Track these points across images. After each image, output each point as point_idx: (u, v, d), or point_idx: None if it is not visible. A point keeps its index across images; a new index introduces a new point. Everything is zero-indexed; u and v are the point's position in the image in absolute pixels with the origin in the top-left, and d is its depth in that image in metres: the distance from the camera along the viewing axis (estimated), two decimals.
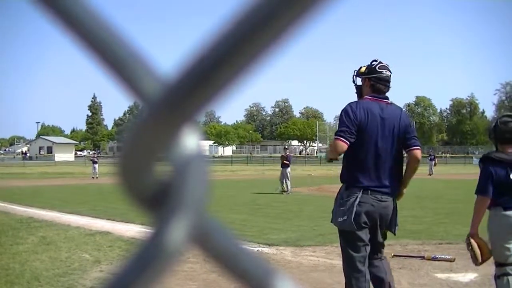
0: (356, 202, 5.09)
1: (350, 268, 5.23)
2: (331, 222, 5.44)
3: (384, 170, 5.13)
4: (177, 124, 0.41)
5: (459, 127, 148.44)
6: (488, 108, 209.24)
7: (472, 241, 5.44)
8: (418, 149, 5.30)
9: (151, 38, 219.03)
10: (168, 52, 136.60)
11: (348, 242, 5.23)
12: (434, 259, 8.82)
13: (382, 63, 5.26)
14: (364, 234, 5.20)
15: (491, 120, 5.90)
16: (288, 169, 24.87)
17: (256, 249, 9.86)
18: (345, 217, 5.10)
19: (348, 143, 5.09)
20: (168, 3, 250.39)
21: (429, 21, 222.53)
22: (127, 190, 0.44)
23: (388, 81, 5.19)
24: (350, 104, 5.26)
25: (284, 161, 25.04)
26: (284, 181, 24.81)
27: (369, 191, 5.09)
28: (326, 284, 7.46)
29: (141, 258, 0.43)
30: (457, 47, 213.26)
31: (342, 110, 5.28)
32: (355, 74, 5.42)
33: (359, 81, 5.41)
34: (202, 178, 0.44)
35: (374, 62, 5.28)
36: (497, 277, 5.43)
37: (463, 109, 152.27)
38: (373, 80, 5.16)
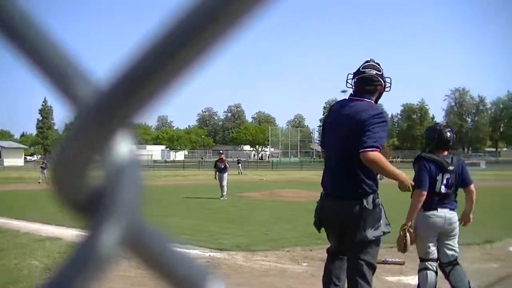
0: (318, 207, 5.17)
1: None
2: None
3: (338, 172, 5.05)
4: (111, 130, 0.41)
5: (409, 132, 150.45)
6: (437, 113, 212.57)
7: (409, 231, 5.99)
8: (366, 150, 4.66)
9: (85, 42, 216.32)
10: (101, 57, 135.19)
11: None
12: (385, 262, 8.90)
13: (369, 62, 5.18)
14: (330, 237, 5.31)
15: (430, 128, 6.32)
16: (225, 174, 24.76)
17: (207, 254, 9.85)
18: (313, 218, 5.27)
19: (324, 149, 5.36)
20: (102, 9, 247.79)
21: (380, 26, 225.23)
22: (60, 195, 0.44)
23: (371, 80, 5.07)
24: (331, 105, 5.40)
25: (222, 166, 24.82)
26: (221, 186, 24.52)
27: (327, 195, 5.11)
28: None
29: (74, 263, 0.43)
30: (407, 53, 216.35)
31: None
32: (349, 77, 5.38)
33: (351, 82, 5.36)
34: (136, 183, 0.44)
35: (364, 63, 5.24)
36: (419, 270, 6.13)
37: (414, 115, 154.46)
38: (357, 80, 5.13)
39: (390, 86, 5.27)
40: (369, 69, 5.08)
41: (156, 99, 0.39)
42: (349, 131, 4.87)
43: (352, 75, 5.17)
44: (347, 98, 5.17)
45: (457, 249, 6.19)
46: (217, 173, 25.02)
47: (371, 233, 4.85)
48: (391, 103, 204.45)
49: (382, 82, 5.11)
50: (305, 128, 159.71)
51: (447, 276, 6.07)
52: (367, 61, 5.15)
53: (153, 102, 0.39)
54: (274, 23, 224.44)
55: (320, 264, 8.91)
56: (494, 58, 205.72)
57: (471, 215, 6.31)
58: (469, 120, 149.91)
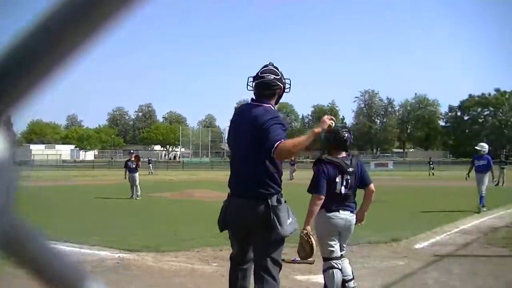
0: (224, 207, 5.18)
1: None
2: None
3: (242, 173, 5.10)
4: None
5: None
6: (347, 114, 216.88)
7: (310, 236, 6.01)
8: (274, 148, 4.63)
9: None
10: None
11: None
12: (294, 261, 8.99)
13: (268, 66, 5.18)
14: (233, 240, 5.35)
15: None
16: (137, 174, 24.59)
17: (117, 255, 9.69)
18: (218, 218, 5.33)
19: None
20: None
21: (291, 30, 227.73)
22: None
23: (270, 85, 5.09)
24: (239, 106, 5.41)
25: (133, 166, 24.49)
26: (133, 187, 24.37)
27: (233, 195, 5.13)
28: None
29: None
30: (318, 55, 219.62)
31: None
32: (249, 80, 5.35)
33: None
34: (9, 183, 0.43)
35: (262, 67, 5.23)
36: (324, 270, 6.24)
37: (324, 115, 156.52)
38: (257, 85, 5.14)
39: (289, 88, 5.30)
40: (267, 74, 5.10)
41: (28, 96, 0.39)
42: (249, 136, 4.91)
43: (252, 79, 5.21)
44: (249, 102, 5.20)
45: (345, 248, 6.48)
46: (128, 173, 24.69)
47: (281, 231, 4.89)
48: (302, 104, 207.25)
49: (281, 85, 5.14)
50: (216, 128, 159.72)
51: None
52: (265, 66, 5.18)
53: (25, 98, 0.39)
54: (183, 22, 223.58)
55: (229, 264, 8.96)
56: (403, 62, 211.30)
57: (365, 214, 6.45)
58: (378, 121, 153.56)
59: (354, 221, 6.22)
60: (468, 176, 18.53)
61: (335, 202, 6.07)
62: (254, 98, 5.15)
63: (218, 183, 35.96)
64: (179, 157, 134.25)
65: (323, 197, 5.99)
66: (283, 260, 9.21)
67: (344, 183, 6.07)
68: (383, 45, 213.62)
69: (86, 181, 40.34)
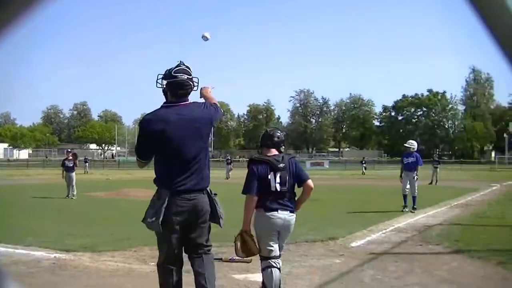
0: (165, 204, 5.14)
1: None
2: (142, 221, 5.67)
3: (189, 169, 5.17)
4: None
5: (255, 132, 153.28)
6: (283, 114, 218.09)
7: (242, 237, 6.24)
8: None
9: None
10: None
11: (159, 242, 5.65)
12: (232, 260, 9.01)
13: (181, 66, 5.20)
14: (174, 239, 5.38)
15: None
16: (74, 173, 24.16)
17: (53, 255, 9.52)
18: (153, 219, 5.33)
19: (145, 161, 5.68)
20: None
21: (226, 29, 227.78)
22: None
23: (185, 85, 5.15)
24: (145, 118, 5.42)
25: (70, 165, 24.12)
26: (70, 186, 23.89)
27: (177, 193, 5.16)
28: None
29: None
30: (254, 54, 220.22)
31: (139, 124, 5.54)
32: (159, 77, 5.36)
33: (164, 83, 5.34)
34: None
35: (175, 67, 5.24)
36: (263, 269, 6.24)
37: (260, 115, 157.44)
38: (170, 85, 5.16)
39: (197, 86, 5.42)
40: (181, 74, 5.18)
41: None
42: (198, 131, 5.12)
43: (162, 77, 5.25)
44: (168, 104, 5.27)
45: (284, 247, 6.54)
46: (65, 172, 24.20)
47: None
48: (238, 104, 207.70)
49: (192, 84, 5.28)
50: None
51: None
52: (178, 65, 5.22)
53: None
54: (115, 19, 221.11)
55: None
56: (337, 62, 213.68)
57: (301, 205, 6.49)
58: (314, 121, 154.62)
59: (293, 220, 6.23)
60: (401, 176, 17.84)
61: (273, 201, 6.08)
62: (172, 100, 5.25)
63: None
64: (117, 155, 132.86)
65: (255, 197, 6.04)
66: (220, 259, 9.26)
67: (278, 180, 6.07)
68: (318, 45, 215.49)
69: (20, 180, 39.50)
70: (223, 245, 10.73)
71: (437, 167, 36.32)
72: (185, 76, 5.14)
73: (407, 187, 17.36)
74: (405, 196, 17.38)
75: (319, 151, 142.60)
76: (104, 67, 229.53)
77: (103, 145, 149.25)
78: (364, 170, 57.77)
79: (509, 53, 1.08)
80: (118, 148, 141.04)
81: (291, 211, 6.20)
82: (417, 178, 17.68)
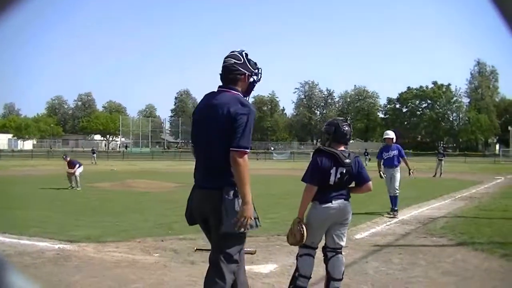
0: (189, 196, 5.11)
1: None
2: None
3: (203, 162, 5.00)
4: None
5: (260, 124, 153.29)
6: (288, 105, 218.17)
7: (302, 225, 6.03)
8: (235, 150, 4.64)
9: None
10: None
11: None
12: None
13: (233, 52, 5.09)
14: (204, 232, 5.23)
15: (329, 123, 6.37)
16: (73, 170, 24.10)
17: (57, 246, 9.53)
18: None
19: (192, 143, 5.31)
20: None
21: (229, 20, 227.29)
22: None
23: (229, 69, 4.94)
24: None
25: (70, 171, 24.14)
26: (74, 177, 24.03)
27: (196, 186, 5.08)
28: (130, 280, 7.36)
29: None
30: (257, 45, 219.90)
31: None
32: None
33: None
34: None
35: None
36: (300, 255, 6.20)
37: (264, 106, 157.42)
38: (221, 69, 5.11)
39: (259, 76, 5.14)
40: (228, 58, 5.01)
41: None
42: (215, 123, 4.80)
43: None
44: (216, 89, 5.11)
45: (344, 238, 6.33)
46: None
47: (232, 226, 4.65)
48: None
49: (243, 71, 4.97)
50: (156, 119, 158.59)
51: (326, 260, 6.19)
52: (232, 51, 5.14)
53: None
54: (121, 10, 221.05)
55: (171, 255, 8.92)
56: (342, 53, 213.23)
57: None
58: (318, 112, 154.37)
59: (349, 208, 6.18)
60: (381, 175, 15.09)
61: (328, 193, 6.04)
62: (220, 85, 5.09)
63: (159, 174, 35.89)
64: (119, 146, 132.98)
65: (314, 187, 6.00)
66: None
67: (338, 176, 6.03)
68: (323, 37, 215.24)
69: (25, 171, 39.55)
70: None
71: (441, 160, 36.25)
72: (232, 61, 5.02)
73: (395, 185, 14.66)
74: (394, 198, 14.72)
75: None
76: (109, 57, 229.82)
77: (108, 136, 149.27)
78: (367, 162, 57.68)
79: None
80: (123, 139, 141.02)
81: (345, 199, 6.15)
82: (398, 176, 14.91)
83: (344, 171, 6.05)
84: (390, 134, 15.38)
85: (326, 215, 6.05)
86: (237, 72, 4.94)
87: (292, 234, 6.15)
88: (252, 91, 5.18)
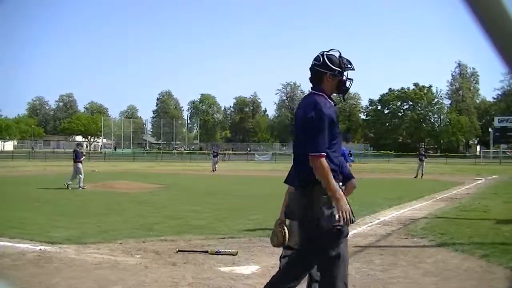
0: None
1: None
2: None
3: (295, 163, 5.23)
4: None
5: (242, 125, 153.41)
6: (269, 107, 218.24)
7: (284, 226, 5.92)
8: (310, 155, 4.75)
9: None
10: None
11: None
12: (218, 253, 9.02)
13: (321, 53, 5.21)
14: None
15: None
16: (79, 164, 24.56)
17: (38, 247, 9.48)
18: None
19: None
20: None
21: (213, 23, 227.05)
22: None
23: (310, 71, 5.15)
24: None
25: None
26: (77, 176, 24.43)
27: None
28: (111, 281, 7.34)
29: None
30: (240, 47, 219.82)
31: None
32: None
33: None
34: None
35: None
36: (283, 257, 6.08)
37: (246, 107, 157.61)
38: None
39: (342, 73, 5.14)
40: (314, 60, 5.16)
41: None
42: (297, 126, 5.09)
43: None
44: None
45: None
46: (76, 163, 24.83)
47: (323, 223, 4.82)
48: (224, 96, 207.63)
49: (323, 71, 5.05)
50: (138, 120, 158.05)
51: None
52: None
53: None
54: (101, 11, 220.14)
55: (153, 256, 8.91)
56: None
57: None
58: None
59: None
60: None
61: None
62: None
63: (140, 175, 35.78)
64: (100, 147, 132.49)
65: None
66: (206, 251, 9.25)
67: None
68: (304, 38, 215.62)
69: (5, 172, 39.20)
70: (208, 237, 10.79)
71: (423, 161, 36.42)
72: (313, 62, 5.10)
73: None
74: None
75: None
76: (90, 58, 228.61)
77: (89, 137, 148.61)
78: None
79: (501, 48, 1.08)
80: (105, 140, 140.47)
81: None
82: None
83: None
84: None
85: None
86: (318, 72, 5.08)
87: (275, 236, 6.15)
88: (346, 89, 5.24)
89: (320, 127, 4.75)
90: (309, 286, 6.11)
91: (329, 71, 5.02)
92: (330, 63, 5.04)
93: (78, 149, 25.60)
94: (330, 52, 5.14)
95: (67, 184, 23.76)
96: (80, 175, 24.34)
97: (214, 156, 46.56)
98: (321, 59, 5.09)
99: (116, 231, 11.42)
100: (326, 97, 5.01)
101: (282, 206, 6.07)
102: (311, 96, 5.06)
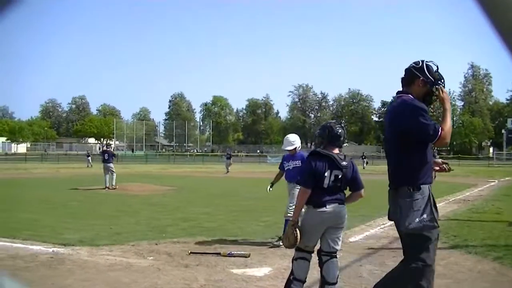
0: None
1: None
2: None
3: (389, 166, 5.33)
4: None
5: (254, 127, 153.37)
6: (282, 108, 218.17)
7: (297, 227, 5.98)
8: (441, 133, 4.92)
9: None
10: None
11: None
12: (230, 255, 9.01)
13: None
14: None
15: (322, 126, 6.30)
16: (110, 164, 25.66)
17: (51, 249, 9.50)
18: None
19: None
20: None
21: (226, 25, 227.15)
22: None
23: (405, 71, 5.35)
24: None
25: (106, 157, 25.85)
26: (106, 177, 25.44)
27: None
28: (123, 283, 7.35)
29: None
30: (253, 48, 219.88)
31: None
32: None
33: None
34: None
35: None
36: (295, 259, 6.12)
37: (259, 110, 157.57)
38: None
39: (433, 85, 5.24)
40: (413, 62, 5.35)
41: None
42: (389, 131, 5.27)
43: None
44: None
45: (340, 242, 6.24)
46: (103, 163, 25.91)
47: (411, 225, 4.98)
48: (236, 98, 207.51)
49: (418, 75, 5.20)
50: (150, 122, 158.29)
51: (320, 264, 6.11)
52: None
53: None
54: (117, 14, 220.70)
55: (165, 258, 8.91)
56: (336, 57, 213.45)
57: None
58: (312, 116, 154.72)
59: (344, 212, 6.09)
60: (271, 188, 11.30)
61: (322, 197, 5.96)
62: None
63: (152, 177, 35.81)
64: (132, 150, 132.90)
65: (308, 190, 5.93)
66: (218, 253, 9.24)
67: (333, 178, 5.98)
68: (317, 40, 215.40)
69: (18, 174, 39.35)
70: (221, 239, 10.78)
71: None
72: (412, 64, 5.31)
73: (290, 206, 9.94)
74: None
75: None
76: (103, 61, 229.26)
77: (102, 139, 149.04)
78: (364, 165, 57.82)
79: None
80: (117, 142, 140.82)
81: (340, 203, 6.07)
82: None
83: (340, 175, 6.01)
84: (291, 138, 11.29)
85: (320, 220, 5.98)
86: (411, 74, 5.25)
87: (286, 238, 6.12)
88: (431, 101, 5.40)
89: (404, 132, 4.97)
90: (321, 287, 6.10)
91: (423, 77, 5.17)
92: (427, 70, 5.19)
93: (109, 149, 26.57)
94: (430, 62, 5.32)
95: (113, 187, 25.08)
96: (113, 175, 25.65)
97: (227, 158, 47.13)
98: (420, 64, 5.27)
99: (128, 233, 11.44)
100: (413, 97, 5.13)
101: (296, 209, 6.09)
102: (399, 98, 5.23)
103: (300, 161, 10.66)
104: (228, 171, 43.94)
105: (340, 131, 6.27)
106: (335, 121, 7.06)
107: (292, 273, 6.16)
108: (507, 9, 1.03)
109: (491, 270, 8.18)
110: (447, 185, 28.39)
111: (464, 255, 9.31)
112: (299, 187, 11.21)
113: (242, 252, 9.21)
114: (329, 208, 5.95)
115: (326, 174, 5.95)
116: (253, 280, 7.54)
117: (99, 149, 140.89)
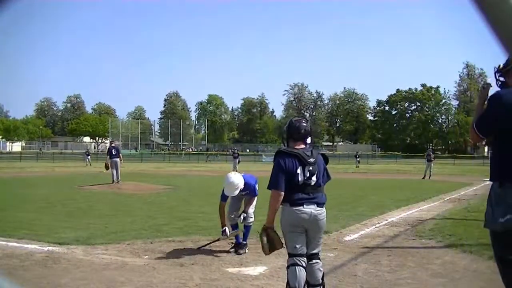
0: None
1: None
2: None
3: None
4: None
5: (249, 126, 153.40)
6: (277, 107, 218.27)
7: (266, 233, 5.94)
8: None
9: None
10: None
11: None
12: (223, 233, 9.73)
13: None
14: None
15: (287, 123, 6.19)
16: (118, 159, 26.77)
17: (46, 248, 9.49)
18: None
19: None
20: None
21: (221, 22, 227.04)
22: None
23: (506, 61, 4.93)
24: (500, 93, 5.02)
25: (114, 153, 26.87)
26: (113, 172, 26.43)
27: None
28: (119, 282, 7.34)
29: None
30: (248, 49, 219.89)
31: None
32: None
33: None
34: None
35: None
36: (288, 266, 5.86)
37: (254, 108, 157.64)
38: None
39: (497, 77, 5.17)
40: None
41: None
42: None
43: None
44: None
45: (320, 245, 6.09)
46: (111, 159, 26.86)
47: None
48: (232, 97, 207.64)
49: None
50: (145, 120, 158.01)
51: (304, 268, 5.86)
52: None
53: None
54: (110, 13, 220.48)
55: (161, 257, 8.91)
56: (332, 56, 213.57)
57: None
58: (307, 115, 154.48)
59: (322, 215, 5.89)
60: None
61: (299, 195, 5.77)
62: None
63: (147, 176, 35.78)
64: (135, 149, 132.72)
65: (282, 192, 5.72)
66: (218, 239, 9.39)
67: (307, 174, 5.80)
68: (313, 39, 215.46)
69: (13, 173, 39.27)
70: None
71: (431, 162, 36.29)
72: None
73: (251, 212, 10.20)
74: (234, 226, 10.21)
75: (313, 145, 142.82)
76: (98, 59, 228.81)
77: (97, 138, 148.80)
78: (357, 164, 57.92)
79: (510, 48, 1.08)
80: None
81: (318, 205, 5.85)
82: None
83: (311, 169, 5.85)
84: (234, 181, 10.18)
85: (298, 219, 5.76)
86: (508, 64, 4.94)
87: (270, 243, 6.01)
88: None
89: (489, 117, 4.87)
90: None
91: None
92: None
93: (117, 145, 27.44)
94: None
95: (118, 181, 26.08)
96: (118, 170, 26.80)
97: (234, 158, 45.87)
98: None
99: (124, 232, 11.43)
100: None
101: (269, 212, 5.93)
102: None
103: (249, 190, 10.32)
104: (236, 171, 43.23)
105: (298, 124, 6.13)
106: (299, 116, 6.96)
107: (287, 283, 5.89)
108: (502, 9, 1.03)
109: (486, 269, 8.17)
110: (442, 184, 28.49)
111: (459, 254, 9.30)
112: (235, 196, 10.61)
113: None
114: (306, 208, 5.76)
115: (298, 171, 5.79)
116: (249, 279, 7.54)
117: (94, 148, 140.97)
